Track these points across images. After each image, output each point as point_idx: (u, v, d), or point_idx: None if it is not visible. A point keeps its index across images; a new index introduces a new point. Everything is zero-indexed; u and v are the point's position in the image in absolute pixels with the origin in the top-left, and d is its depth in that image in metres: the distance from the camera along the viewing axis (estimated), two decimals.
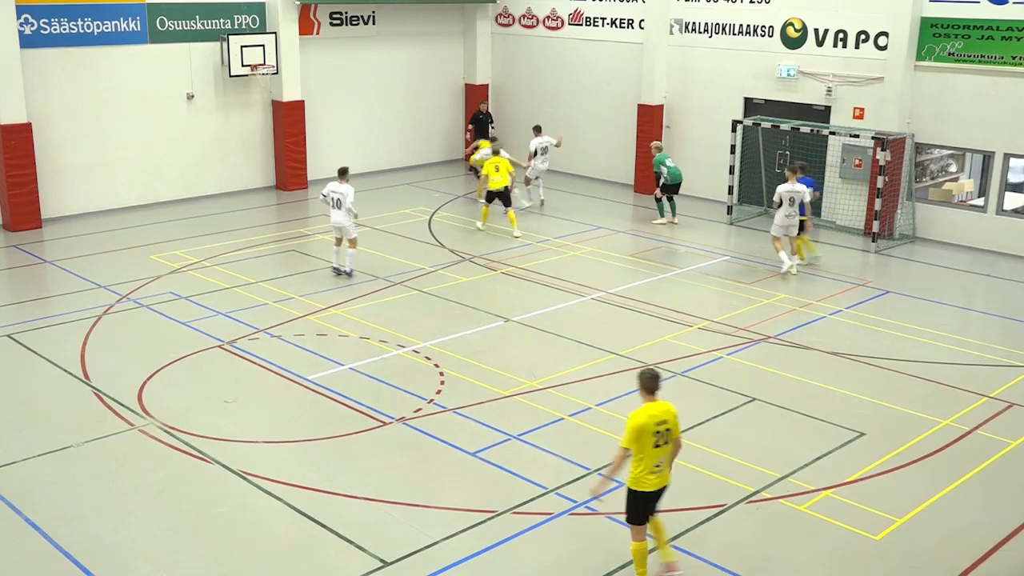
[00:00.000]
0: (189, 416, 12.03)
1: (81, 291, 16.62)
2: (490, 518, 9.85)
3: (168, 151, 22.70)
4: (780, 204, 17.82)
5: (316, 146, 24.99)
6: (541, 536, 9.62)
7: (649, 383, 8.45)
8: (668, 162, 21.09)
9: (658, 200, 21.46)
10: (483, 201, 21.06)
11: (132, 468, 10.85)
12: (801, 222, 18.15)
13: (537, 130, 23.23)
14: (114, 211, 21.86)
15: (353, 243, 17.31)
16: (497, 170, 20.32)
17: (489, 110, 27.04)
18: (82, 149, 21.37)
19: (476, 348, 14.31)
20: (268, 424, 11.92)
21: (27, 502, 10.08)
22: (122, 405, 12.32)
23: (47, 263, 18.32)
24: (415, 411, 12.26)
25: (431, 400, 12.59)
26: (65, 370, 13.41)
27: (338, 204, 17.06)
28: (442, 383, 13.10)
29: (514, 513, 9.97)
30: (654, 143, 21.83)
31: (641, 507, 8.62)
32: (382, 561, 9.14)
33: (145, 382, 13.00)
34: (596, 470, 10.79)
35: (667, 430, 8.36)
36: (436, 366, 13.67)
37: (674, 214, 21.39)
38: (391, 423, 11.95)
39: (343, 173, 17.45)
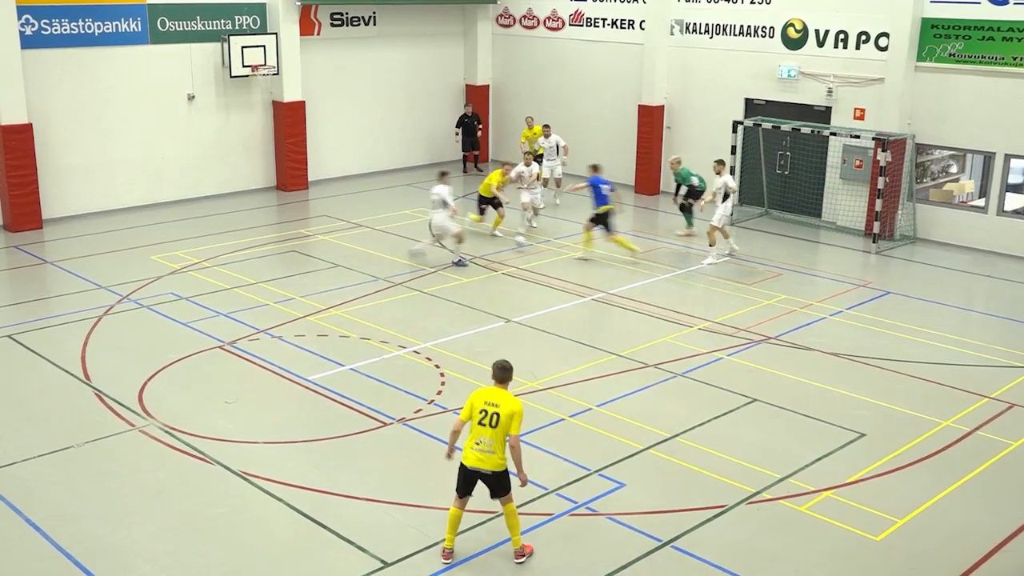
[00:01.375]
0: (190, 417, 12.02)
1: (82, 292, 16.62)
2: (490, 519, 9.84)
3: (169, 151, 22.70)
4: (726, 196, 18.55)
5: (317, 147, 25.00)
6: (541, 537, 9.61)
7: (497, 373, 9.08)
8: (694, 171, 20.44)
9: (686, 211, 20.56)
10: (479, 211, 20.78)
11: (132, 468, 10.86)
12: (604, 216, 18.62)
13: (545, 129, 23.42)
14: (115, 211, 21.86)
15: (459, 237, 18.05)
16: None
17: (475, 111, 26.95)
18: (83, 149, 21.38)
19: (477, 349, 14.31)
20: (268, 425, 11.92)
21: (27, 502, 10.08)
22: (123, 405, 12.32)
23: (48, 263, 18.33)
24: (416, 412, 12.26)
25: (432, 401, 12.59)
26: (66, 371, 13.41)
27: (444, 205, 17.81)
28: (443, 384, 13.10)
29: None
30: (673, 158, 20.62)
31: (459, 477, 9.07)
32: (382, 562, 9.14)
33: (146, 383, 13.01)
34: (597, 471, 10.80)
35: (495, 414, 8.82)
36: (437, 367, 13.67)
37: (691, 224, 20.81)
38: (392, 424, 11.95)
39: (443, 175, 18.40)
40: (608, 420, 12.08)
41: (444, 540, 9.21)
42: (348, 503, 10.15)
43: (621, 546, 9.46)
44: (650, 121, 24.28)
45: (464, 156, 26.98)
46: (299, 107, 24.09)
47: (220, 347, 14.27)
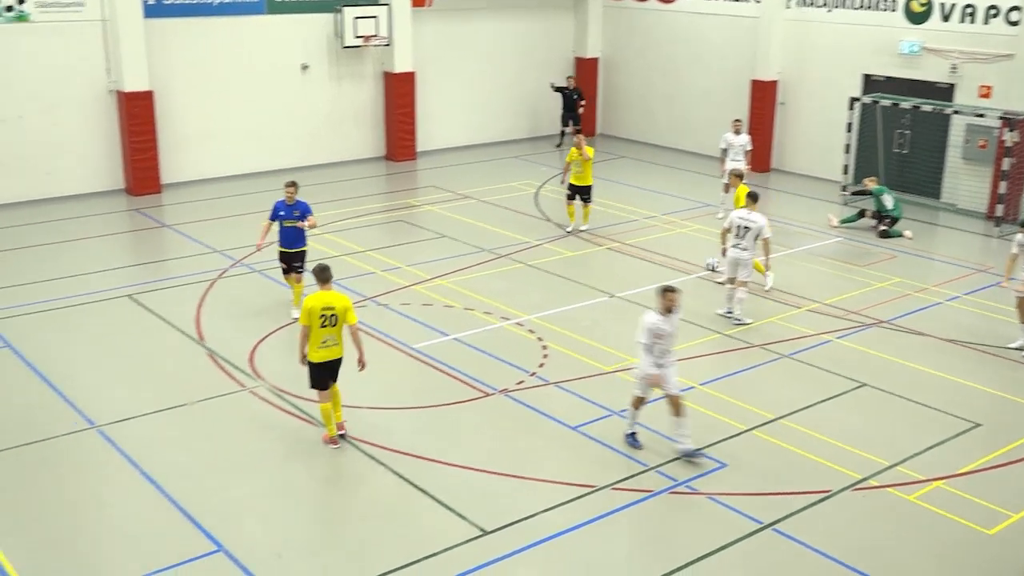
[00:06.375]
0: (297, 380, 12.28)
1: (197, 255, 17.13)
2: (589, 493, 9.85)
3: (282, 121, 23.15)
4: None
5: (426, 117, 25.17)
6: (639, 513, 9.59)
7: (318, 274, 10.43)
8: (887, 197, 18.98)
9: (885, 235, 18.76)
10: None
11: (243, 428, 11.19)
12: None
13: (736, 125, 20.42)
14: (230, 178, 22.41)
15: (743, 284, 14.28)
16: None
17: (577, 86, 26.35)
18: (200, 117, 21.95)
19: (580, 323, 14.28)
20: (374, 390, 12.10)
21: (144, 456, 10.47)
22: (234, 367, 12.69)
23: (166, 227, 18.94)
24: (518, 383, 12.31)
25: (534, 373, 12.62)
26: (181, 331, 13.87)
27: (742, 234, 14.29)
28: (545, 356, 13.12)
29: (613, 489, 9.95)
30: (868, 181, 19.36)
31: (316, 375, 10.46)
32: (481, 530, 9.24)
33: (256, 345, 13.36)
34: (699, 450, 10.68)
35: (332, 315, 10.26)
36: (539, 339, 13.69)
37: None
38: (494, 394, 12.03)
39: (754, 198, 14.56)
40: (711, 399, 11.94)
41: (327, 430, 10.61)
42: (449, 470, 10.27)
43: (721, 526, 9.36)
44: (763, 97, 23.74)
45: (562, 130, 26.45)
46: (409, 78, 24.28)
47: None
